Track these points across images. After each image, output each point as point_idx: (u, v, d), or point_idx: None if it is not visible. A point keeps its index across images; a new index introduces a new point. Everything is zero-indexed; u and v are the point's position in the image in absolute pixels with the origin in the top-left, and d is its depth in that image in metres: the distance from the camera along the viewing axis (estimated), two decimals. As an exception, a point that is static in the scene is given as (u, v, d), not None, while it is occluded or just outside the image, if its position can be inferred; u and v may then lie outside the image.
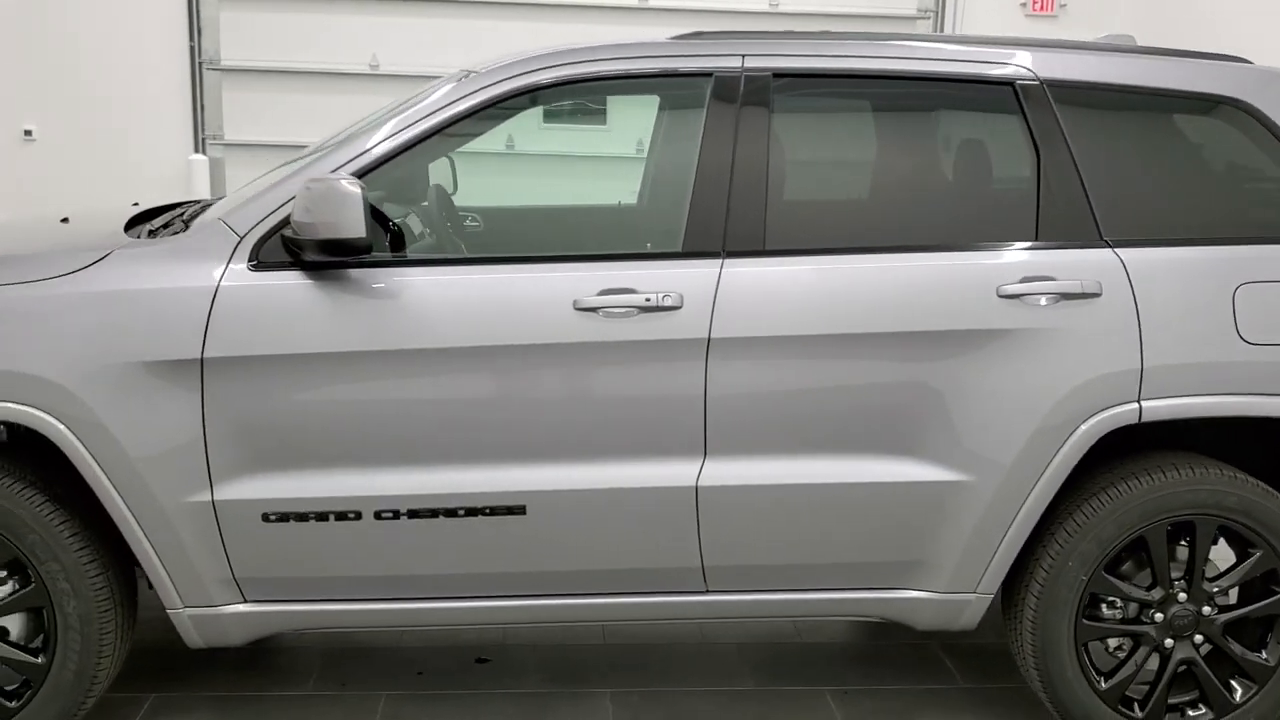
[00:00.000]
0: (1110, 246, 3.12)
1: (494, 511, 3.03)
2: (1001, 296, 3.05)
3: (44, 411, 2.89)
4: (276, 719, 3.41)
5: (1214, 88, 3.27)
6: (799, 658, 3.88)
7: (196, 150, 8.89)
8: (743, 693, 3.62)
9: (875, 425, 3.06)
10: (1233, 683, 3.26)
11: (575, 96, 3.18)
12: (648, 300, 2.97)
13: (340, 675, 3.65)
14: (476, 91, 3.07)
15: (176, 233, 3.24)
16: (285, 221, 2.97)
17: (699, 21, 9.43)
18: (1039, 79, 3.18)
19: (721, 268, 3.02)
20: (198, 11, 8.77)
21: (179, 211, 3.67)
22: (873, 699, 3.61)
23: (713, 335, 2.99)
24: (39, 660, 3.05)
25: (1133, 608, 3.23)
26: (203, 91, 8.93)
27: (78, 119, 8.40)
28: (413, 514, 3.02)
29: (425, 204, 3.65)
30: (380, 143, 3.05)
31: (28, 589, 3.02)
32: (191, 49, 8.86)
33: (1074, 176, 3.14)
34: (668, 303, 2.97)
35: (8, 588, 3.05)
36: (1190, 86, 3.26)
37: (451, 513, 3.02)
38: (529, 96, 3.13)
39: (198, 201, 3.88)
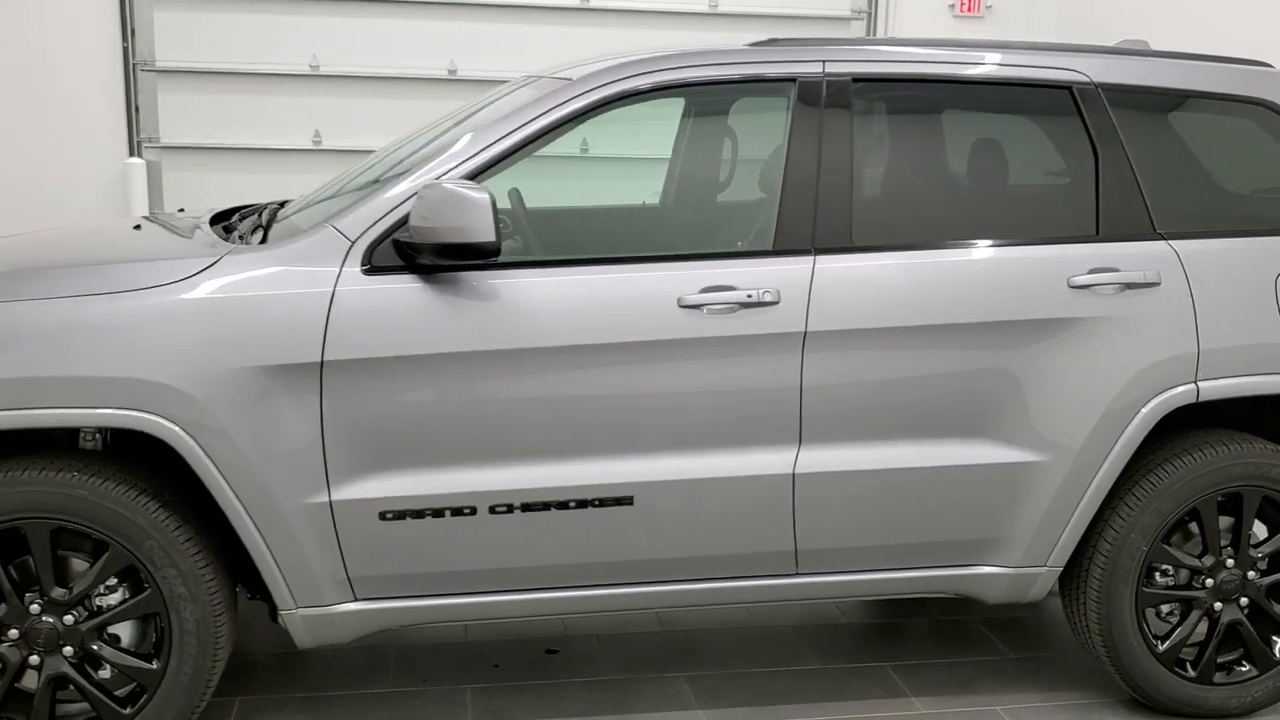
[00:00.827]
0: (1164, 239, 3.35)
1: (603, 503, 3.13)
2: (1072, 287, 3.26)
3: (163, 417, 2.90)
4: (377, 717, 3.45)
5: (1246, 90, 3.52)
6: (852, 637, 4.06)
7: (132, 154, 8.73)
8: (812, 671, 3.78)
9: (957, 411, 3.24)
10: (1275, 638, 3.51)
11: (667, 100, 3.28)
12: (749, 296, 3.10)
13: (417, 672, 3.72)
14: (578, 96, 3.16)
15: (259, 238, 3.28)
16: (397, 226, 3.03)
17: (644, 21, 9.60)
18: (1094, 83, 3.39)
19: (814, 264, 3.16)
20: (130, 12, 8.61)
21: (252, 215, 3.69)
22: (932, 672, 3.80)
23: (809, 329, 3.14)
24: (153, 666, 3.06)
25: (1183, 575, 3.47)
26: (137, 94, 8.76)
27: (6, 123, 8.18)
28: (526, 508, 3.10)
29: (507, 206, 3.72)
30: (486, 148, 3.12)
31: (142, 595, 3.02)
32: (125, 50, 8.69)
33: (1129, 174, 3.36)
34: (766, 298, 3.11)
35: (119, 595, 3.05)
36: (1226, 89, 3.51)
37: (563, 505, 3.12)
38: (626, 101, 3.21)
39: (268, 205, 3.89)
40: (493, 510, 3.09)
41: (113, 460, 3.06)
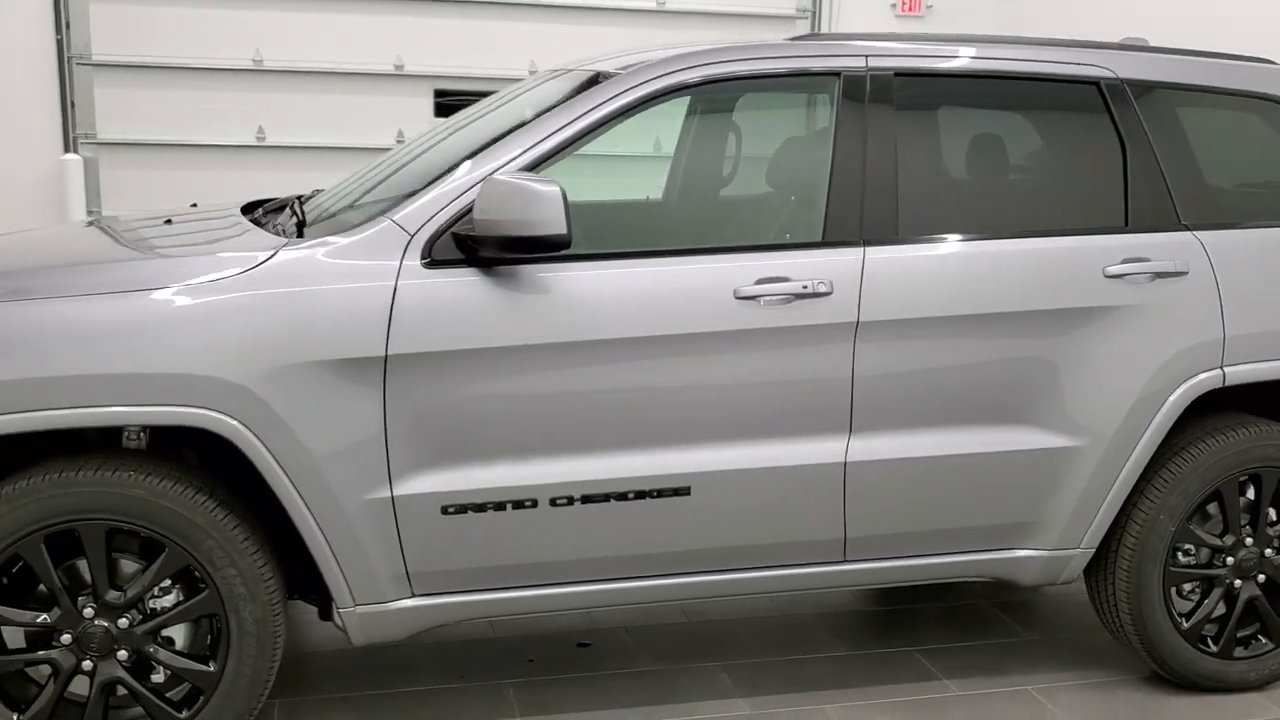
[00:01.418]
0: (1189, 230, 3.46)
1: (660, 494, 3.15)
2: (1107, 277, 3.36)
3: (227, 414, 2.85)
4: (422, 715, 3.42)
5: (1256, 87, 3.66)
6: (872, 623, 4.13)
7: (68, 150, 8.50)
8: (842, 657, 3.84)
9: (1000, 398, 3.33)
10: (1282, 617, 3.67)
11: (714, 94, 3.30)
12: (804, 287, 3.15)
13: (452, 669, 3.70)
14: (630, 90, 3.17)
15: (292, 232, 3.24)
16: (456, 219, 3.01)
17: (591, 18, 9.62)
18: (1120, 79, 3.50)
19: (864, 255, 3.22)
20: (65, 4, 8.39)
21: (278, 210, 3.64)
22: (957, 655, 3.88)
23: (860, 319, 3.19)
24: (210, 668, 3.01)
25: (1204, 554, 3.59)
26: (73, 88, 8.55)
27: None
28: (586, 499, 3.11)
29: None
30: (540, 142, 3.12)
31: (200, 596, 2.97)
32: (59, 43, 8.47)
33: (1155, 166, 3.47)
34: (820, 289, 3.16)
35: (172, 596, 2.99)
36: (1239, 85, 3.65)
37: (622, 496, 3.13)
38: (674, 95, 3.22)
39: (290, 199, 3.84)
40: (553, 503, 3.09)
41: (166, 459, 2.99)
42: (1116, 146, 3.48)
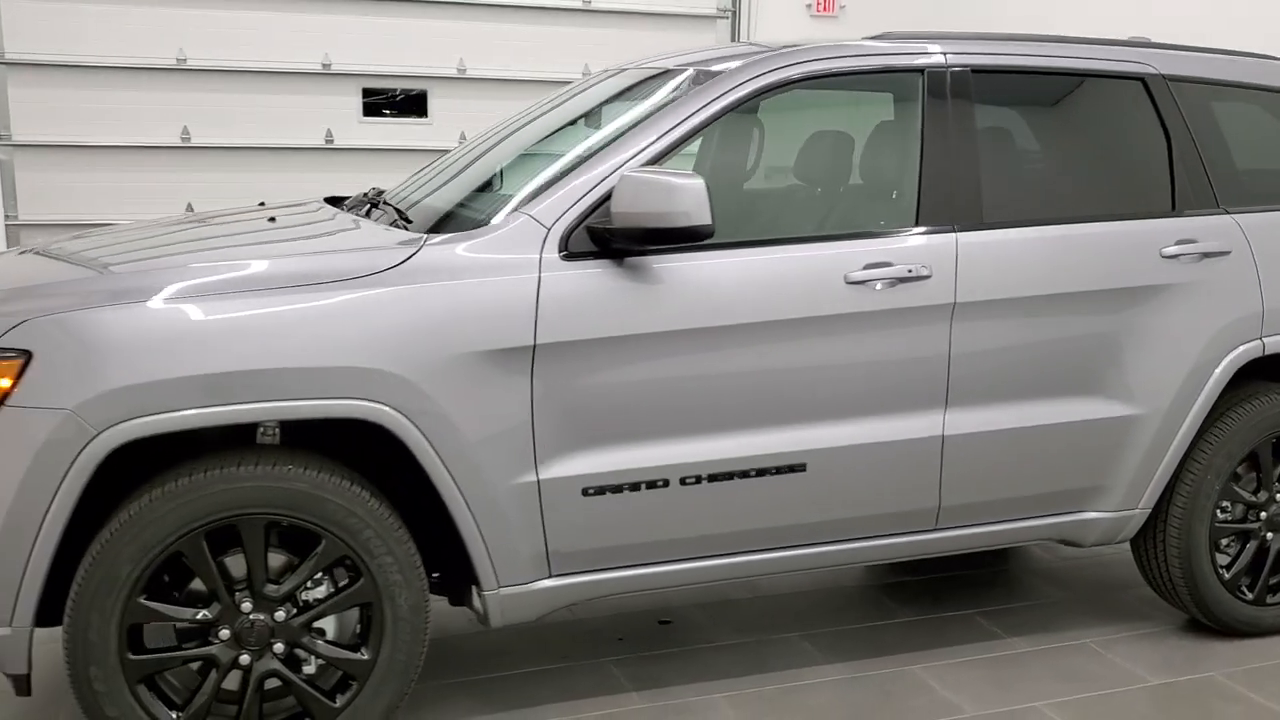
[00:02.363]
0: (1227, 213, 3.78)
1: (779, 471, 3.32)
2: (1163, 257, 3.65)
3: (390, 406, 2.93)
4: (543, 695, 3.53)
5: (1270, 81, 4.01)
6: (929, 590, 4.36)
7: (-19, 151, 8.28)
8: (913, 622, 4.07)
9: (1075, 371, 3.59)
10: (1312, 561, 4.03)
11: (809, 90, 3.47)
12: (909, 271, 3.36)
13: (549, 650, 3.80)
14: (739, 86, 3.33)
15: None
16: (589, 213, 3.13)
17: (517, 16, 9.72)
18: (1161, 74, 3.80)
19: (957, 240, 3.44)
20: (-25, 1, 8.17)
21: (360, 205, 3.73)
22: (1013, 615, 4.15)
23: (957, 300, 3.42)
24: (364, 656, 3.07)
25: (1239, 510, 3.92)
26: (-16, 88, 8.32)
27: None
28: (712, 478, 3.26)
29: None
30: (660, 138, 3.25)
31: (356, 586, 3.03)
32: (-31, 42, 8.24)
33: (1196, 155, 3.79)
34: (922, 273, 3.37)
35: (324, 587, 3.04)
36: (1256, 80, 3.99)
37: (744, 474, 3.29)
38: (778, 91, 3.39)
39: (364, 194, 3.91)
40: (683, 482, 3.24)
41: (321, 453, 3.05)
42: (1162, 136, 3.78)
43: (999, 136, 3.62)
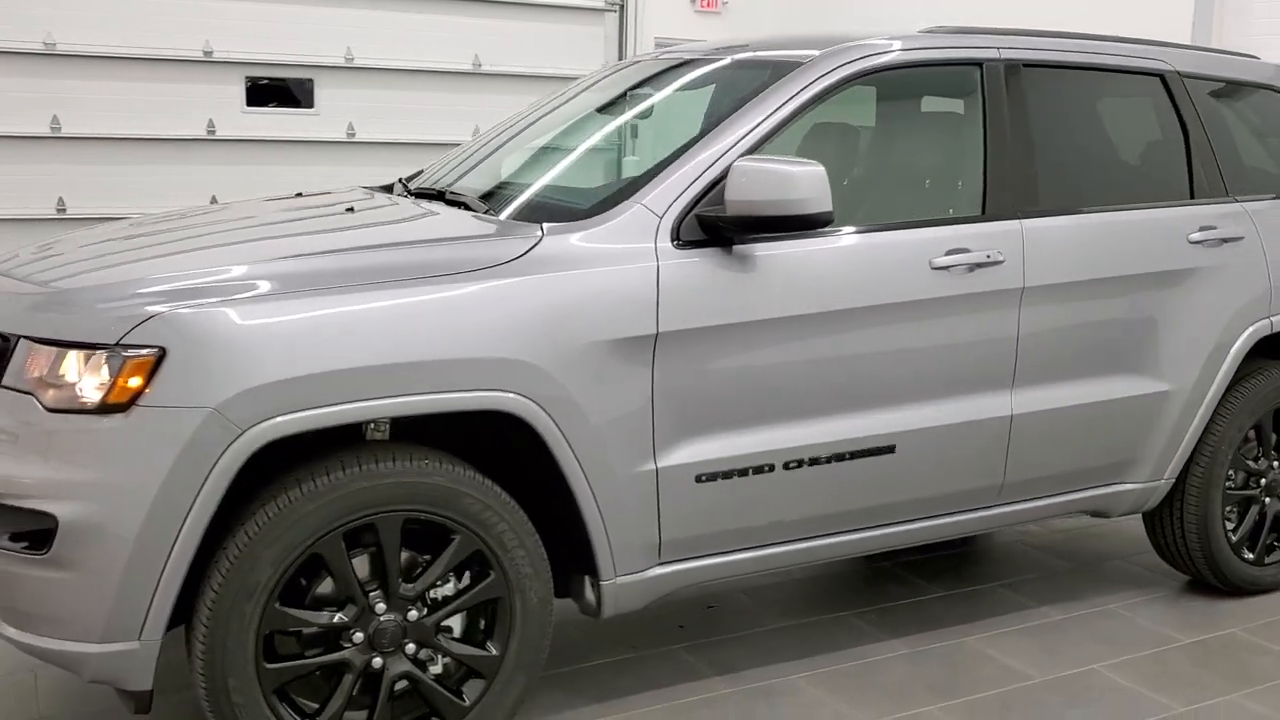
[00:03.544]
0: (1237, 201, 4.06)
1: (871, 453, 3.41)
2: (1190, 242, 3.90)
3: (526, 396, 2.89)
4: (626, 685, 3.52)
5: (1258, 78, 4.32)
6: (945, 567, 4.53)
7: None
8: (946, 597, 4.23)
9: (1118, 350, 3.80)
10: (1302, 523, 4.36)
11: (895, 78, 3.57)
12: (987, 256, 3.49)
13: (614, 641, 3.80)
14: (827, 74, 3.39)
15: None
16: (696, 202, 3.15)
17: (387, 3, 9.58)
18: (1177, 71, 4.05)
19: (1022, 227, 3.60)
20: None
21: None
22: (1036, 585, 4.35)
23: (1025, 284, 3.57)
24: (493, 652, 3.01)
25: (1241, 477, 4.22)
26: None
27: None
28: (813, 462, 3.33)
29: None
30: (755, 128, 3.28)
31: (487, 581, 2.97)
32: None
33: (1208, 146, 4.05)
34: (997, 258, 3.52)
35: (452, 584, 2.98)
36: (1258, 80, 4.29)
37: (840, 457, 3.37)
38: (860, 80, 3.48)
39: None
40: (786, 466, 3.29)
41: (444, 446, 2.98)
42: (1179, 129, 4.02)
43: (1047, 127, 3.78)
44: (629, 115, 3.98)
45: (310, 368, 2.67)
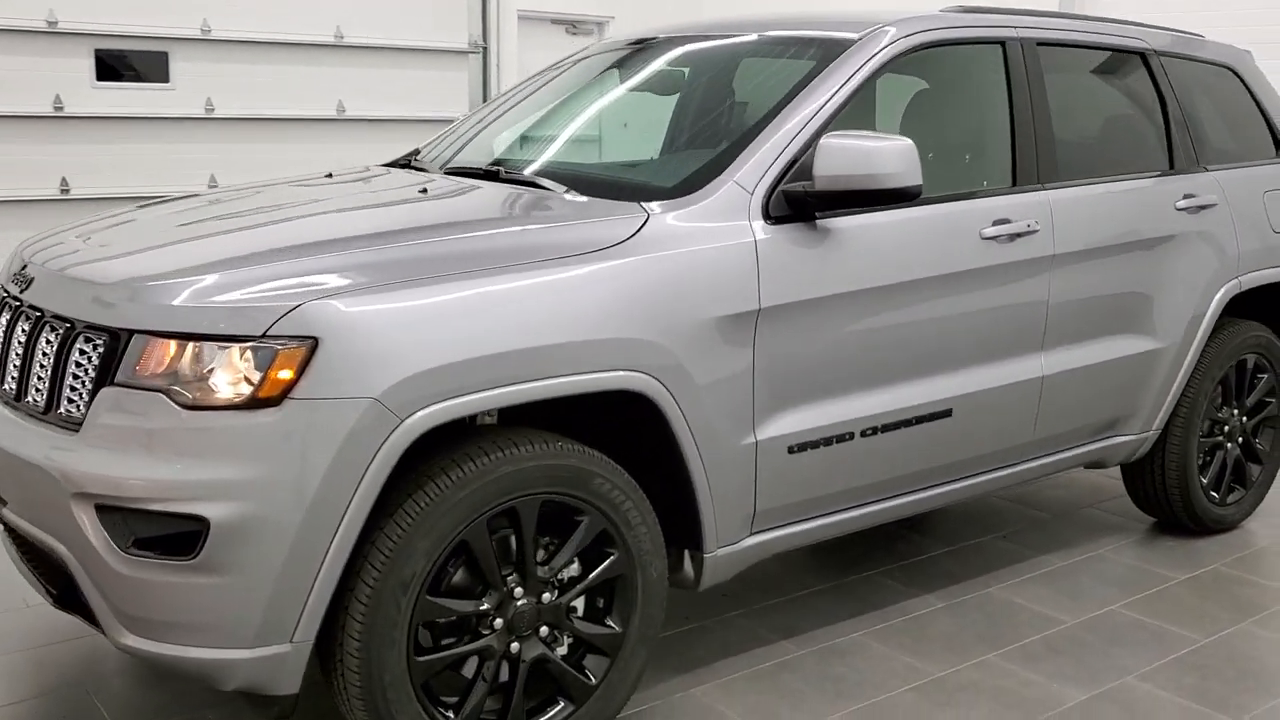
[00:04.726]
0: (1208, 171, 4.39)
1: (933, 417, 3.57)
2: (1176, 209, 4.20)
3: (649, 374, 2.91)
4: (699, 655, 3.59)
5: (1221, 59, 4.66)
6: (939, 524, 4.75)
7: None
8: (953, 552, 4.44)
9: (1122, 312, 4.07)
10: (1252, 465, 4.75)
11: (935, 55, 3.70)
12: (1027, 226, 3.68)
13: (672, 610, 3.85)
14: (883, 50, 3.50)
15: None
16: (781, 178, 3.22)
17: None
18: (1155, 50, 4.34)
19: (1049, 197, 3.80)
20: None
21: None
22: (1025, 536, 4.62)
23: (1055, 252, 3.79)
24: (617, 629, 3.03)
25: (1207, 425, 4.58)
26: None
27: None
28: (885, 429, 3.46)
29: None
30: (825, 104, 3.36)
31: (612, 559, 2.98)
32: None
33: (1183, 120, 4.36)
34: (1035, 228, 3.71)
35: (576, 564, 2.98)
36: (1214, 58, 4.63)
37: (907, 423, 3.51)
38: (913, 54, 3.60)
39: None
40: (863, 434, 3.41)
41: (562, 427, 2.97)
42: (1158, 103, 4.31)
43: (1059, 103, 4.00)
44: (661, 92, 4.00)
45: (463, 353, 2.63)
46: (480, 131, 4.14)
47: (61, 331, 2.73)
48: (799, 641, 3.69)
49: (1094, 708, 3.34)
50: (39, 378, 2.79)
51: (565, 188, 3.34)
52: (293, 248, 2.80)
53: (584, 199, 3.24)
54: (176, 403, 2.52)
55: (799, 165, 3.23)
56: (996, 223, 3.63)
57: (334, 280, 2.61)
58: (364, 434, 2.53)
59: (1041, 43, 3.95)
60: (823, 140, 3.17)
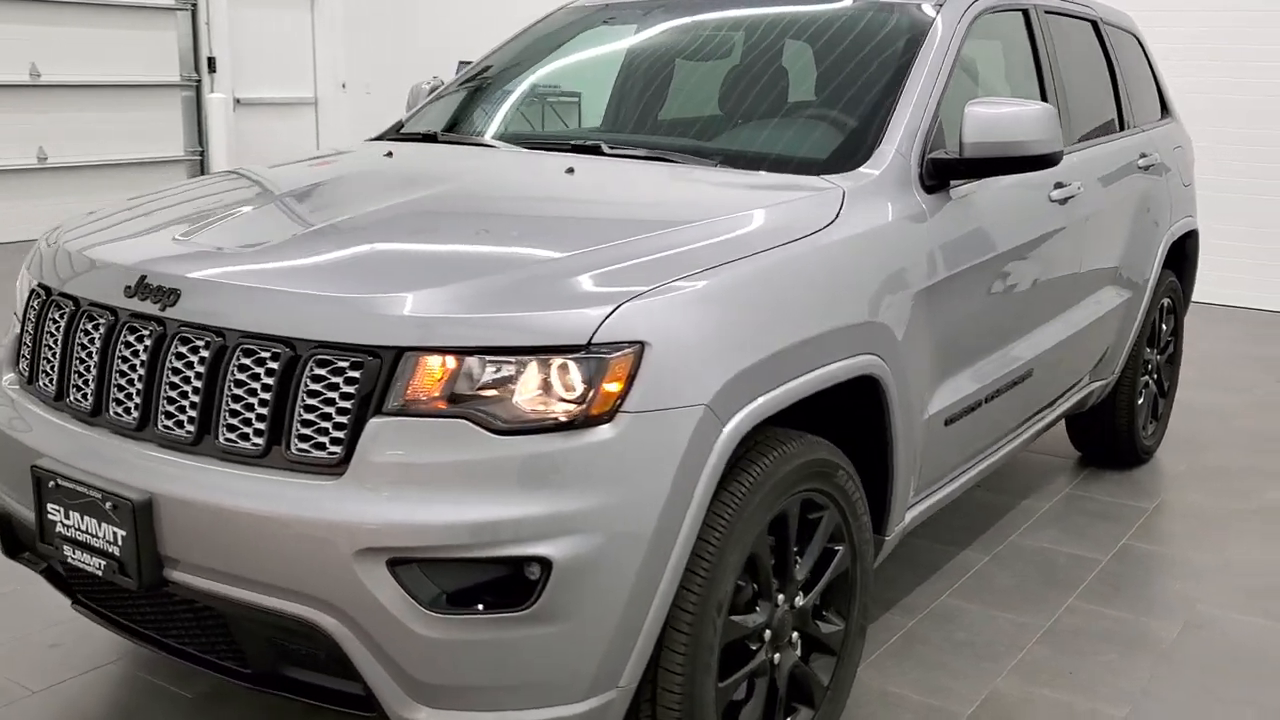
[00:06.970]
0: (1143, 130, 4.76)
1: (1024, 378, 3.67)
2: (1139, 168, 4.53)
3: (879, 357, 2.81)
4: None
5: (1125, 25, 5.04)
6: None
7: None
8: (951, 509, 4.59)
9: (1110, 267, 4.34)
10: (1160, 399, 5.23)
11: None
12: (1078, 188, 3.85)
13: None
14: (969, 9, 3.52)
15: None
16: (926, 146, 3.18)
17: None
18: (1099, 18, 4.64)
19: (1075, 159, 3.99)
20: None
21: None
22: (997, 482, 4.85)
23: (1088, 212, 3.98)
24: (839, 625, 2.92)
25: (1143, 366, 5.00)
26: None
27: None
28: (996, 394, 3.52)
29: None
30: (940, 68, 3.34)
31: (840, 552, 2.86)
32: None
33: (1125, 85, 4.69)
34: (1079, 190, 3.89)
35: (804, 566, 2.83)
36: (1123, 24, 4.99)
37: (1011, 384, 3.60)
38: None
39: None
40: (987, 400, 3.46)
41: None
42: (1107, 69, 4.62)
43: (1064, 69, 4.18)
44: (714, 58, 3.82)
45: (762, 350, 2.43)
46: (495, 99, 3.77)
47: (267, 355, 2.25)
48: (900, 611, 3.70)
49: (1189, 638, 3.57)
50: (230, 412, 2.29)
51: (715, 160, 3.12)
52: (536, 241, 2.47)
53: (758, 173, 3.05)
54: (486, 429, 2.16)
55: (935, 134, 3.20)
56: (1058, 185, 3.76)
57: (626, 278, 2.32)
58: (697, 446, 2.28)
59: (1048, 11, 4.11)
60: (969, 108, 3.15)
